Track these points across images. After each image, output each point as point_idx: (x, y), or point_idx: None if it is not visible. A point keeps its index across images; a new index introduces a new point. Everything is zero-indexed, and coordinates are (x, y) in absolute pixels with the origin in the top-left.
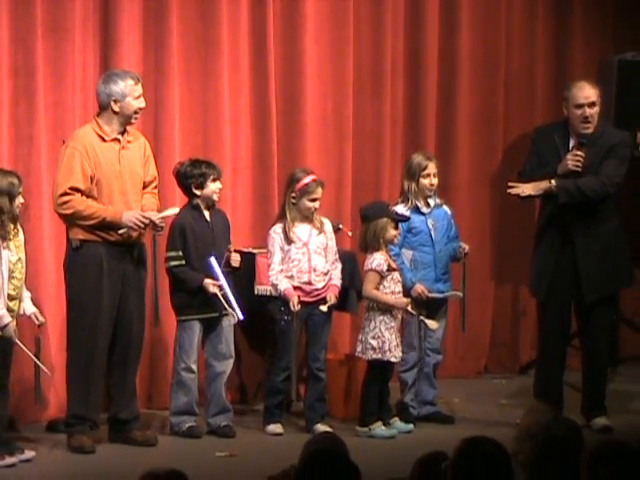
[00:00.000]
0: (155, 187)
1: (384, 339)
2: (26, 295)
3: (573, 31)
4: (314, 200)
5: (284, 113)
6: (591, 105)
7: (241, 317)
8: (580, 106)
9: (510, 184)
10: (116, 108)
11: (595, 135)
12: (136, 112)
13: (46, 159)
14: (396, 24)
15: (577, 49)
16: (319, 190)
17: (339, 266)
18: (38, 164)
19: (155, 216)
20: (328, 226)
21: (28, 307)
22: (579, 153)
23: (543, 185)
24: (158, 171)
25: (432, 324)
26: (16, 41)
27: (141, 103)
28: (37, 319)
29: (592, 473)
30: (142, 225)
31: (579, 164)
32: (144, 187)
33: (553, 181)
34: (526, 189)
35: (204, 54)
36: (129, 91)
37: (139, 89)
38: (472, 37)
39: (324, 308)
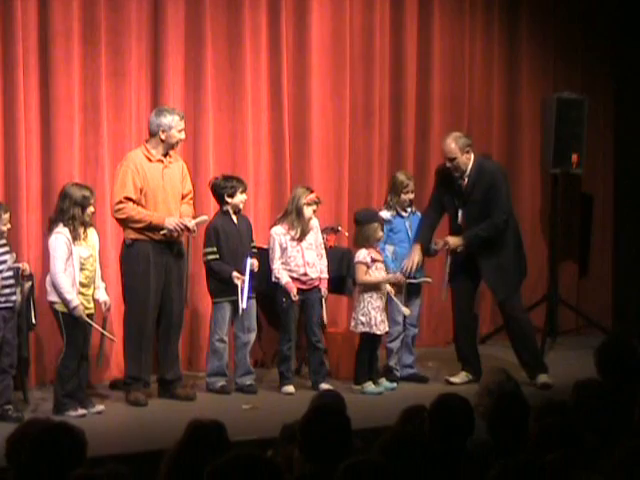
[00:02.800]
0: (191, 199)
1: (370, 316)
2: (101, 285)
3: (521, 74)
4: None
5: (295, 140)
6: (449, 160)
7: (244, 307)
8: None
9: (437, 240)
10: (163, 137)
11: (473, 172)
12: (177, 142)
13: (109, 177)
14: (383, 71)
15: (524, 89)
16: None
17: (324, 256)
18: (102, 180)
19: (189, 222)
20: (315, 222)
21: (102, 295)
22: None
23: (459, 243)
24: (197, 185)
25: (406, 311)
26: (85, 83)
27: (182, 135)
28: (105, 305)
29: (538, 423)
30: (179, 228)
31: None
32: (182, 198)
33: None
34: (453, 244)
35: (232, 93)
36: (175, 125)
37: (182, 124)
38: (442, 81)
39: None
